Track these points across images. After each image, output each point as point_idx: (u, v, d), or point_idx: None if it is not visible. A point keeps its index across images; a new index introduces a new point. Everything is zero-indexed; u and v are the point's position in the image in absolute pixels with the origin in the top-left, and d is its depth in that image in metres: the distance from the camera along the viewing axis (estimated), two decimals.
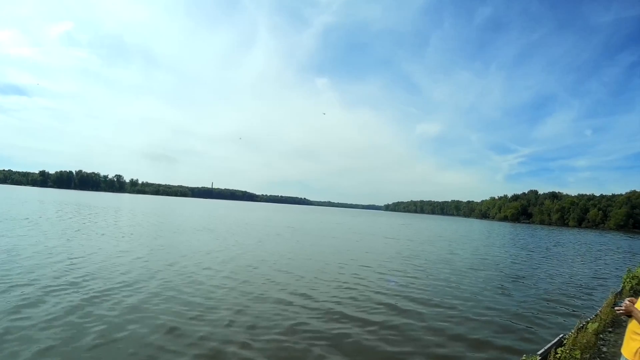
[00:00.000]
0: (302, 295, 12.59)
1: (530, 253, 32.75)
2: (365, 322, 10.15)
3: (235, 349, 7.83)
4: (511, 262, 25.37)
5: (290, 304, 11.42)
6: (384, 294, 13.54)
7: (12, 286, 10.75)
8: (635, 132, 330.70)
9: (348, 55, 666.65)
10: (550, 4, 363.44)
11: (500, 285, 16.31)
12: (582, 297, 14.81)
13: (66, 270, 13.23)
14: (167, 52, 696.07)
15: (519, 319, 11.39)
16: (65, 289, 10.94)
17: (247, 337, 8.53)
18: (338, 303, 11.86)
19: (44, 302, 9.69)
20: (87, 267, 13.99)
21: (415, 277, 17.00)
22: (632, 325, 3.79)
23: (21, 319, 8.40)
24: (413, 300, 12.89)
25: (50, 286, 11.07)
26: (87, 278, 12.40)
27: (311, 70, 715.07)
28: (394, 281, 15.39)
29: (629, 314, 3.78)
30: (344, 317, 10.46)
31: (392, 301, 12.52)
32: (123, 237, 23.66)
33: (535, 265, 24.34)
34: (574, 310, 12.47)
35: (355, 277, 16.05)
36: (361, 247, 29.39)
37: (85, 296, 10.46)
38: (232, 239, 27.16)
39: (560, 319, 11.42)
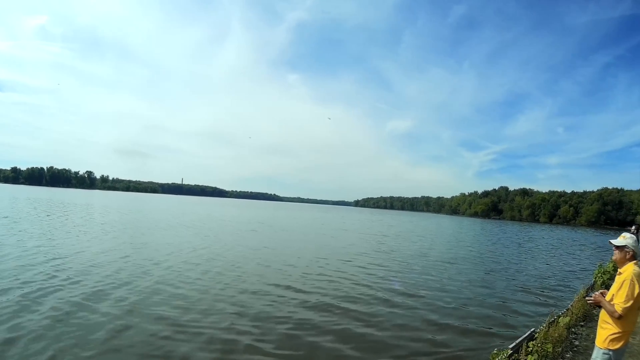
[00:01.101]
0: (294, 289, 13.00)
1: (504, 248, 33.70)
2: (355, 313, 10.74)
3: (244, 340, 8.16)
4: (485, 257, 25.99)
5: (284, 297, 11.92)
6: (369, 286, 14.12)
7: (4, 289, 10.39)
8: (607, 131, 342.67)
9: (321, 51, 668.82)
10: (526, 4, 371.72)
11: (475, 279, 16.85)
12: (554, 292, 15.13)
13: (57, 270, 12.94)
14: (140, 46, 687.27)
15: (496, 309, 11.95)
16: (60, 289, 10.82)
17: (251, 328, 8.96)
18: (333, 297, 12.36)
19: (40, 303, 9.50)
20: (76, 267, 13.71)
21: (397, 272, 17.56)
22: (602, 315, 4.14)
23: (19, 321, 8.20)
24: (397, 291, 13.54)
25: (43, 287, 10.87)
26: (79, 277, 12.24)
27: (283, 66, 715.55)
28: (396, 281, 15.39)
29: (599, 305, 4.15)
30: (339, 309, 10.98)
31: (378, 293, 13.16)
32: (106, 235, 23.43)
33: (507, 260, 24.87)
34: (546, 305, 12.67)
35: (338, 272, 16.56)
36: (338, 242, 29.75)
37: (82, 295, 10.38)
38: (212, 236, 27.38)
39: (533, 313, 11.59)
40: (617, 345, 4.01)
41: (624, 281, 3.95)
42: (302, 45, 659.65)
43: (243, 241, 25.50)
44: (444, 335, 9.30)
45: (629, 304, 3.83)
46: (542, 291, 15.06)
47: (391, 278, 15.76)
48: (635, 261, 4.08)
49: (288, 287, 13.15)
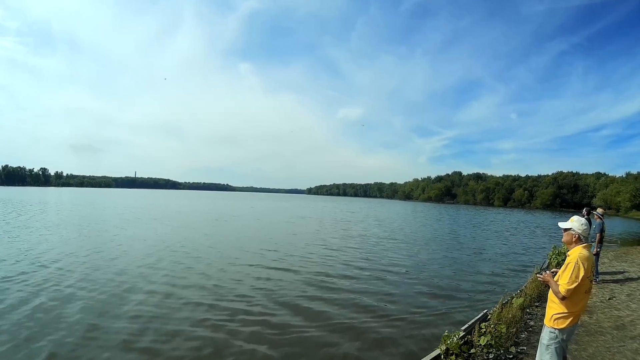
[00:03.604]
0: (291, 270, 14.36)
1: (461, 230, 35.42)
2: (344, 291, 11.91)
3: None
4: (442, 239, 26.93)
5: (281, 281, 12.86)
6: (349, 265, 15.93)
7: None
8: (562, 117, 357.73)
9: (272, 40, 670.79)
10: None
11: (428, 261, 17.68)
12: (509, 272, 15.61)
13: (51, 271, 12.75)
14: (92, 39, 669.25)
15: (450, 290, 12.36)
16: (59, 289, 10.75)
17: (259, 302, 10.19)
18: (326, 275, 13.82)
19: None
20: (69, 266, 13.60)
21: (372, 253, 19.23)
22: (550, 294, 4.40)
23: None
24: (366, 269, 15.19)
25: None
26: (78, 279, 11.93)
27: (235, 56, 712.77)
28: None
29: (547, 284, 4.42)
30: (333, 290, 11.96)
31: (354, 272, 14.62)
32: (80, 232, 22.82)
33: (463, 242, 25.72)
34: (501, 285, 13.11)
35: (318, 255, 17.95)
36: (305, 229, 30.47)
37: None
38: (184, 229, 27.26)
39: (488, 294, 11.88)
40: (563, 325, 4.23)
41: (568, 264, 4.17)
42: (254, 35, 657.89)
43: (223, 233, 25.26)
44: (393, 319, 9.44)
45: (572, 286, 4.03)
46: (497, 272, 15.59)
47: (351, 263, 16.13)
48: (584, 244, 4.29)
49: (282, 270, 14.39)
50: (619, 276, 12.79)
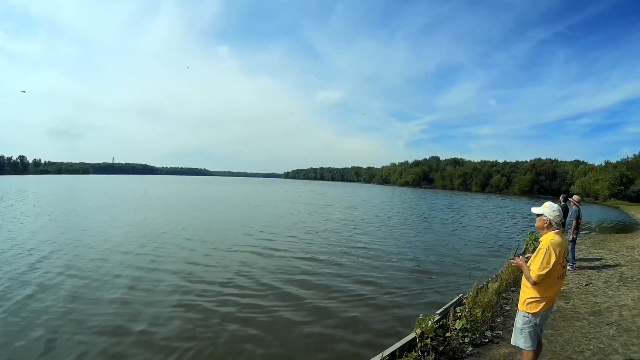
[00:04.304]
0: (265, 255, 14.64)
1: (438, 214, 36.28)
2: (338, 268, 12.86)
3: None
4: (424, 223, 27.37)
5: (255, 264, 13.18)
6: (325, 250, 16.14)
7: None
8: (542, 104, 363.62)
9: (251, 22, 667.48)
10: None
11: (414, 243, 18.25)
12: (486, 257, 15.78)
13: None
14: (71, 22, 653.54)
15: (425, 274, 12.58)
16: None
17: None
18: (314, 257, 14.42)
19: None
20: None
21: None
22: (523, 278, 4.44)
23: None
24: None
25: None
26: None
27: (214, 38, 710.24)
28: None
29: (521, 269, 4.48)
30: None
31: (343, 256, 14.94)
32: (79, 219, 23.19)
33: (444, 226, 26.20)
34: (479, 269, 13.30)
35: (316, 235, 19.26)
36: (292, 213, 31.55)
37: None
38: (175, 214, 27.98)
39: (465, 279, 11.95)
40: (536, 309, 4.29)
41: (540, 249, 4.22)
42: (233, 16, 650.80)
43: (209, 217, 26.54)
44: (368, 302, 9.56)
45: (543, 272, 4.09)
46: (474, 256, 15.78)
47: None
48: (556, 230, 4.31)
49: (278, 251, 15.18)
50: (596, 263, 12.94)
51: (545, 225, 4.33)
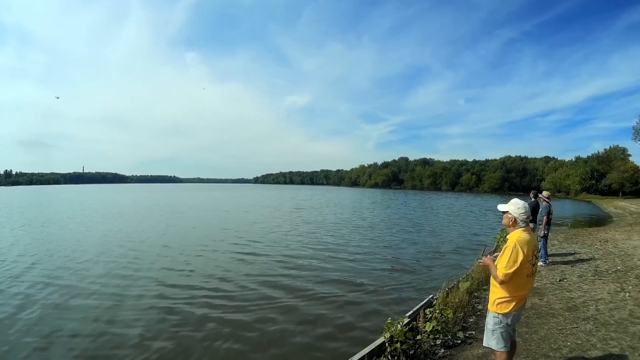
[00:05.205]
0: (245, 260, 14.50)
1: (412, 214, 36.68)
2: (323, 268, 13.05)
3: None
4: (397, 223, 27.73)
5: (232, 270, 13.07)
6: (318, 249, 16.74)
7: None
8: (511, 103, 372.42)
9: (219, 28, 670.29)
10: None
11: (389, 242, 18.50)
12: (457, 256, 15.66)
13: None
14: (40, 30, 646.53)
15: (396, 274, 12.47)
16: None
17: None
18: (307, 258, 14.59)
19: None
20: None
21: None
22: (491, 278, 4.36)
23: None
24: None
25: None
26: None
27: (182, 45, 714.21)
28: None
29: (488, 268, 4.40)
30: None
31: (330, 253, 15.70)
32: (54, 229, 22.83)
33: (415, 226, 26.23)
34: (452, 267, 13.30)
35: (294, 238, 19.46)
36: (266, 219, 30.94)
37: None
38: (163, 223, 27.12)
39: (437, 278, 11.74)
40: (507, 309, 4.20)
41: (506, 247, 4.13)
42: (201, 23, 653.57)
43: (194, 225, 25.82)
44: (340, 303, 9.55)
45: (510, 270, 3.99)
46: (445, 255, 15.68)
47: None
48: (523, 228, 4.22)
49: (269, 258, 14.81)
50: (570, 257, 12.91)
51: (511, 222, 4.25)
